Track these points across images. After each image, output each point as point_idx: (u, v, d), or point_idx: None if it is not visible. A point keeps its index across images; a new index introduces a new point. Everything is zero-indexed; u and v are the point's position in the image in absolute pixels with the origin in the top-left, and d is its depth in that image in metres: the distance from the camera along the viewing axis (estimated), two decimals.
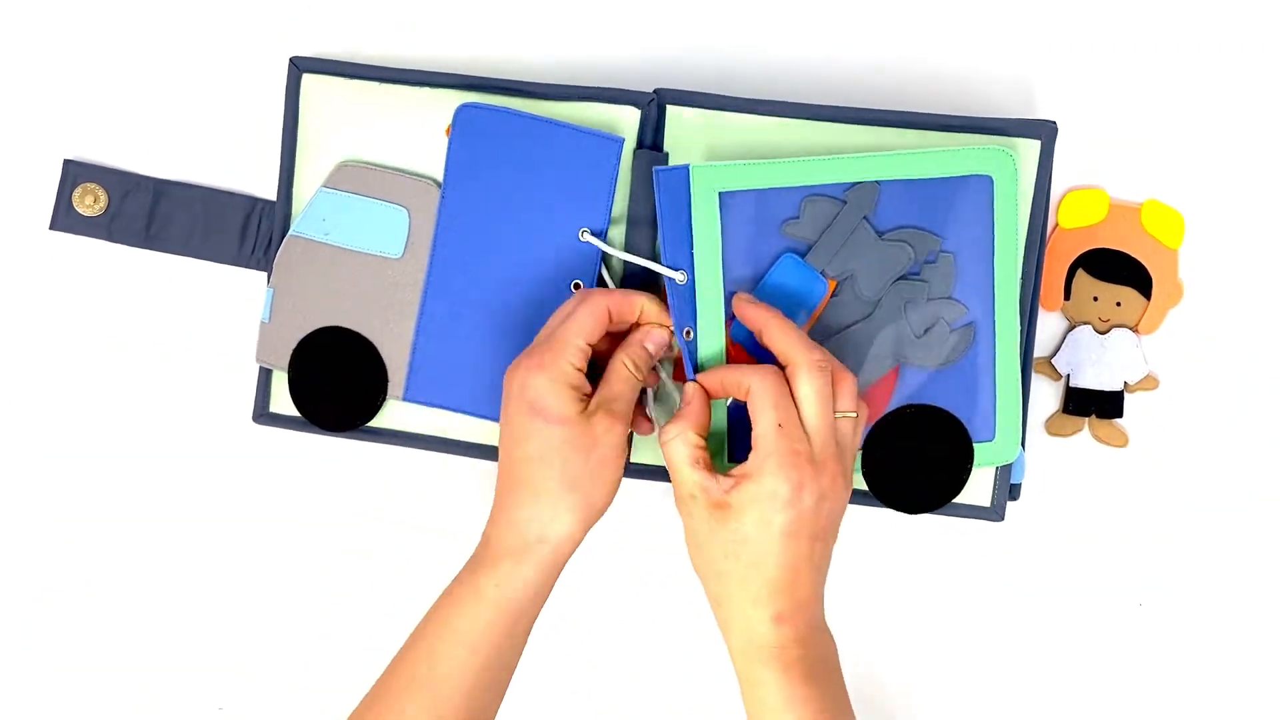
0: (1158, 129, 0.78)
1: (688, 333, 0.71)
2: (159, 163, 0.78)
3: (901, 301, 0.72)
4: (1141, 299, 0.78)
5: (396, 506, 0.79)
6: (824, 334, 0.72)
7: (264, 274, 0.78)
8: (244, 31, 0.78)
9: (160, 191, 0.78)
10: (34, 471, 0.79)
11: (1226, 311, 0.78)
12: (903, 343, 0.72)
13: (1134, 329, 0.78)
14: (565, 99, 0.73)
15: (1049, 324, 0.78)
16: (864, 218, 0.71)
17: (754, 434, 0.65)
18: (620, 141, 0.72)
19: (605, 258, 0.73)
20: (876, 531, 0.78)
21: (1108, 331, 0.78)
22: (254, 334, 0.77)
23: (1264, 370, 0.78)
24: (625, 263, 0.73)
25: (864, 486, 0.73)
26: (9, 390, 0.79)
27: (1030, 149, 0.73)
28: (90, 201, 0.77)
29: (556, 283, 0.73)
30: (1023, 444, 0.75)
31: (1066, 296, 0.78)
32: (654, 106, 0.73)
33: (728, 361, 0.70)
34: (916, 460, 0.73)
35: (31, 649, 0.80)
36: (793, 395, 0.65)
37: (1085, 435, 0.78)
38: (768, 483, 0.64)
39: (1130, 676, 0.78)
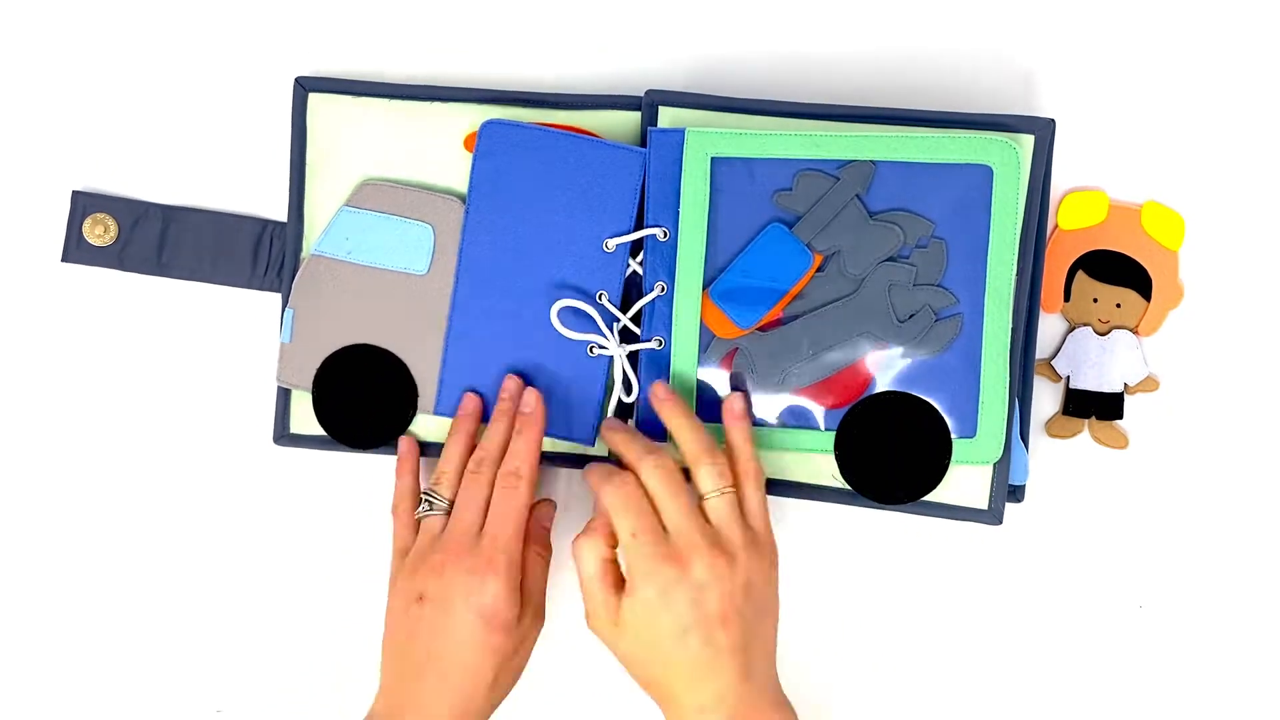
0: (1158, 129, 0.77)
1: (661, 287, 0.73)
2: (167, 189, 0.79)
3: (887, 284, 0.72)
4: (1141, 300, 0.77)
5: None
6: (805, 308, 0.72)
7: (278, 295, 0.78)
8: (247, 54, 0.79)
9: (170, 218, 0.78)
10: (50, 490, 0.80)
11: (1226, 313, 0.78)
12: (884, 325, 0.72)
13: (1134, 330, 0.78)
14: (566, 108, 0.75)
15: (1049, 326, 0.78)
16: (856, 195, 0.71)
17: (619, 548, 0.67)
18: (645, 154, 0.73)
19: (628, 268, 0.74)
20: (875, 532, 0.79)
21: (1108, 333, 0.78)
22: (270, 356, 0.78)
23: (1264, 371, 0.78)
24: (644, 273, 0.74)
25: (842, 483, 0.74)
26: (29, 421, 0.80)
27: (1026, 146, 0.72)
28: (100, 232, 0.78)
29: (582, 294, 0.74)
30: (1025, 444, 0.75)
31: (1066, 298, 0.78)
32: (652, 111, 0.74)
33: (703, 316, 0.72)
34: (892, 449, 0.73)
35: (36, 652, 0.81)
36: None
37: (1085, 437, 0.78)
38: (640, 593, 0.65)
39: (1130, 678, 0.79)
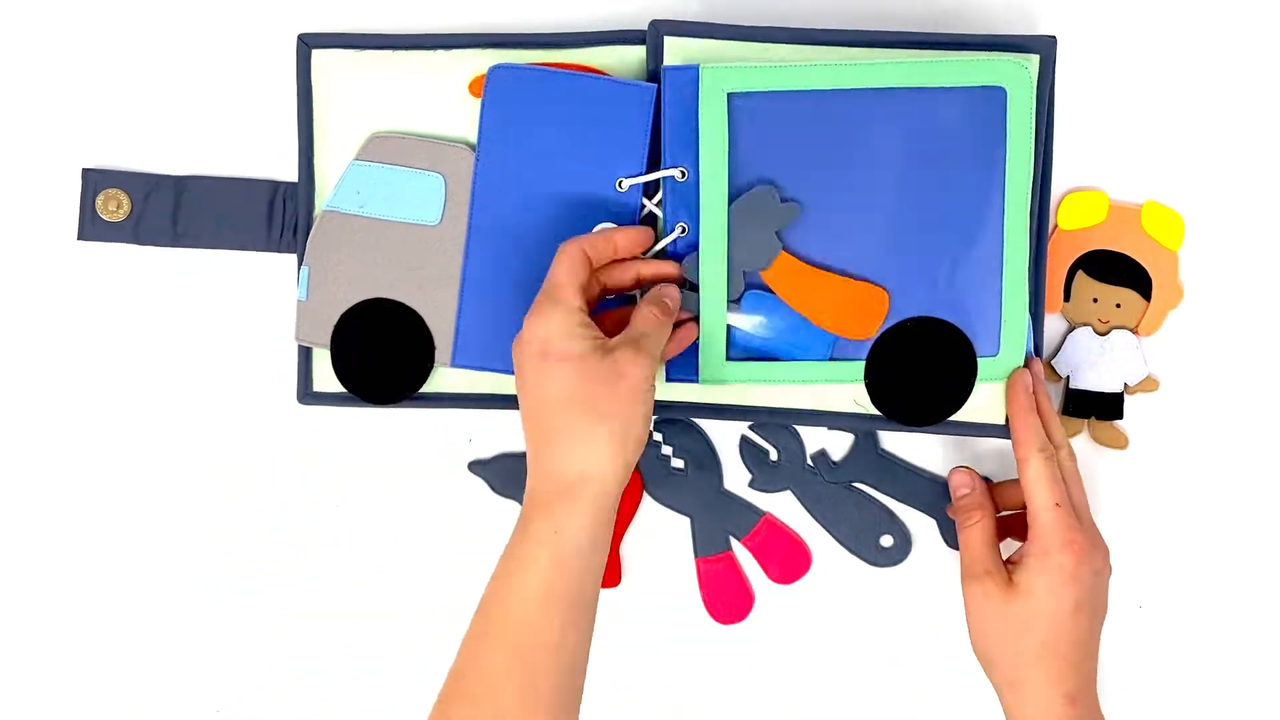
0: (1158, 129, 0.78)
1: (683, 228, 0.73)
2: (177, 159, 0.79)
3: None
4: (1141, 300, 0.78)
5: (393, 514, 0.80)
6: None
7: (295, 256, 0.78)
8: (246, 16, 0.79)
9: (182, 188, 0.79)
10: (72, 473, 0.80)
11: (1226, 313, 0.77)
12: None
13: (1134, 330, 0.78)
14: (570, 47, 0.75)
15: (1049, 326, 0.77)
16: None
17: (1031, 510, 0.69)
18: (654, 89, 0.73)
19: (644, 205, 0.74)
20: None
21: (1107, 333, 0.78)
22: (292, 317, 0.78)
23: (1264, 371, 0.77)
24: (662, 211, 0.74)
25: (871, 410, 0.74)
26: (57, 401, 0.80)
27: (1034, 65, 0.73)
28: (114, 208, 0.78)
29: None
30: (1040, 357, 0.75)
31: (1066, 298, 0.78)
32: (658, 41, 0.73)
33: (730, 266, 0.72)
34: (918, 373, 0.73)
35: (32, 650, 0.80)
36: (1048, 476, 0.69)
37: (1085, 437, 0.78)
38: (1054, 559, 0.67)
39: (1130, 679, 0.78)
